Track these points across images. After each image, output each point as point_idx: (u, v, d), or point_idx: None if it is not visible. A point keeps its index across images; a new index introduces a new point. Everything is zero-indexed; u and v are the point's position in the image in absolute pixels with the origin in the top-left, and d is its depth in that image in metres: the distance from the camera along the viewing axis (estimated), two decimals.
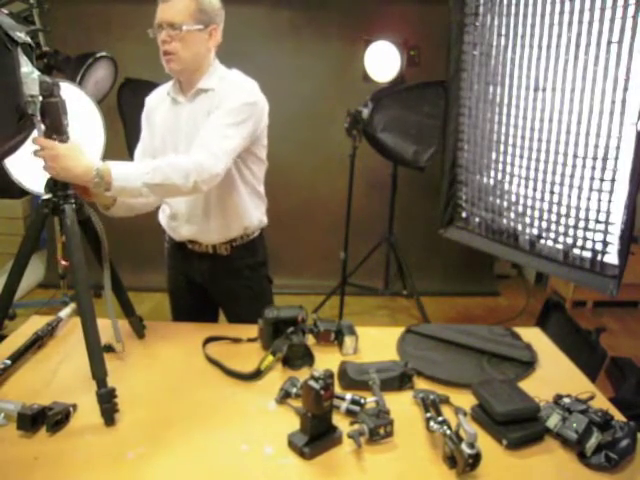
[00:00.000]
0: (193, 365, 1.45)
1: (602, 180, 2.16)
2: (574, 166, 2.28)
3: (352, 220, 3.34)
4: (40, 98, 1.19)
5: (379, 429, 1.13)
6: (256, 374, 1.38)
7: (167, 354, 1.52)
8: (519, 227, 2.63)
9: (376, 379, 1.30)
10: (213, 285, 1.80)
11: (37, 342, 1.49)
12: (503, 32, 2.55)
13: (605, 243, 2.20)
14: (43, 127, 1.25)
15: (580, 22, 2.15)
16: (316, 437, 1.11)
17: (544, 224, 2.48)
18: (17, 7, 3.08)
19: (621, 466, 1.08)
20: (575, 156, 2.27)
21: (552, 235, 2.45)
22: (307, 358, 1.44)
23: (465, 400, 1.26)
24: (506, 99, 2.59)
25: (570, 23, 2.20)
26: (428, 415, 1.17)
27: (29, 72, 1.17)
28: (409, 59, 3.14)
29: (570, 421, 1.14)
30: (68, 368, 1.42)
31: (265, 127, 1.68)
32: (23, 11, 3.10)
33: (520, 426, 1.16)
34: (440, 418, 1.14)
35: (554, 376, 1.45)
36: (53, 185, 1.30)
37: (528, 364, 1.47)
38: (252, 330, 1.56)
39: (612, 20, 2.03)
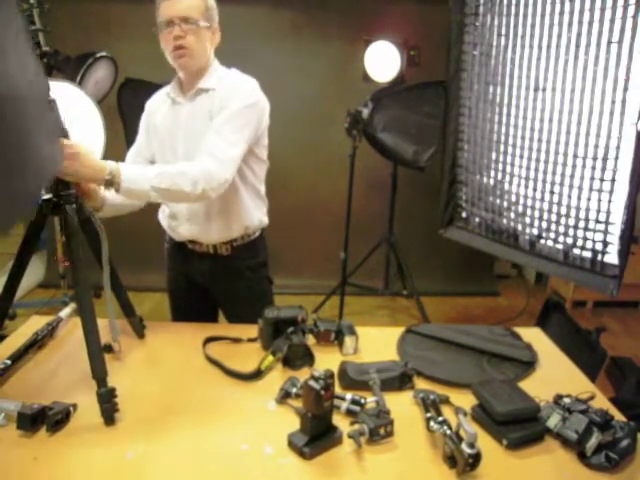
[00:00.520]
0: (193, 365, 1.45)
1: (602, 180, 2.16)
2: (574, 166, 2.28)
3: (352, 220, 3.34)
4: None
5: (379, 429, 1.13)
6: (256, 374, 1.38)
7: (167, 354, 1.52)
8: (519, 227, 2.62)
9: (376, 379, 1.30)
10: (213, 285, 1.80)
11: (37, 342, 1.49)
12: (503, 32, 2.55)
13: (605, 243, 2.20)
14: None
15: (580, 22, 2.15)
16: (316, 437, 1.11)
17: (544, 224, 2.48)
18: None
19: (621, 466, 1.08)
20: (575, 156, 2.27)
21: (552, 235, 2.45)
22: (307, 358, 1.44)
23: (465, 400, 1.26)
24: (506, 99, 2.59)
25: (570, 23, 2.20)
26: (428, 415, 1.17)
27: None
28: (409, 59, 3.14)
29: (570, 421, 1.14)
30: (68, 368, 1.42)
31: (266, 127, 1.68)
32: (23, 11, 3.10)
33: (520, 426, 1.16)
34: (440, 418, 1.14)
35: (554, 376, 1.45)
36: (55, 185, 1.30)
37: (528, 364, 1.47)
38: (252, 330, 1.56)
39: (612, 20, 2.03)
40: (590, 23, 2.11)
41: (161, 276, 1.91)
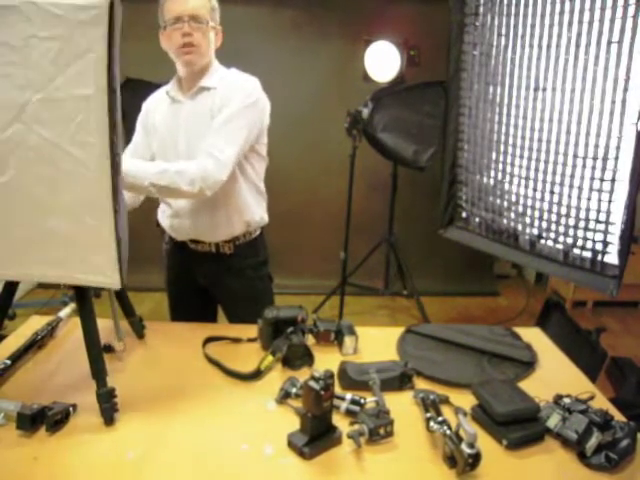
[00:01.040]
0: (193, 365, 1.45)
1: (602, 180, 2.16)
2: (574, 166, 2.27)
3: (352, 220, 3.34)
4: None
5: (379, 429, 1.13)
6: (256, 374, 1.38)
7: (167, 354, 1.52)
8: (519, 227, 2.62)
9: (376, 379, 1.30)
10: (215, 285, 1.80)
11: (37, 342, 1.49)
12: (503, 32, 2.55)
13: (605, 243, 2.19)
14: None
15: (580, 22, 2.15)
16: (316, 437, 1.11)
17: (544, 224, 2.48)
18: None
19: (621, 466, 1.08)
20: (575, 156, 2.27)
21: (552, 235, 2.45)
22: (307, 358, 1.44)
23: (465, 400, 1.25)
24: (506, 99, 2.59)
25: (570, 23, 2.20)
26: (428, 415, 1.17)
27: None
28: (409, 59, 3.14)
29: (570, 421, 1.14)
30: (68, 368, 1.42)
31: (267, 125, 1.69)
32: None
33: (520, 426, 1.16)
34: (440, 418, 1.14)
35: (554, 376, 1.45)
36: None
37: (528, 364, 1.47)
38: (252, 330, 1.56)
39: (612, 20, 2.02)
40: (590, 23, 2.11)
41: (161, 276, 1.91)
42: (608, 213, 2.16)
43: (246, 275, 1.77)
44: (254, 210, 1.74)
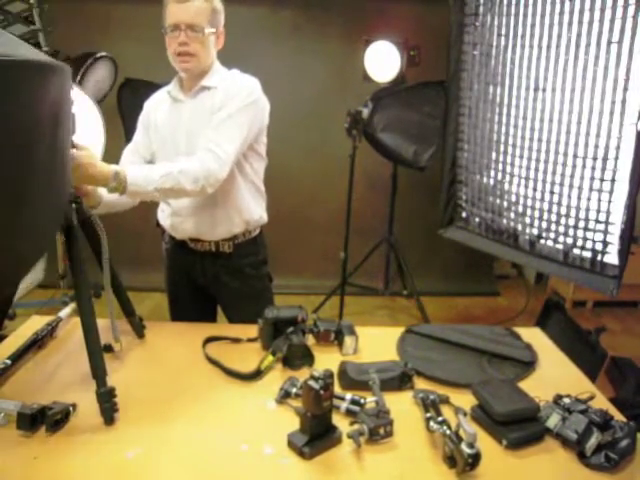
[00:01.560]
0: (193, 365, 1.45)
1: (602, 180, 2.16)
2: (574, 166, 2.28)
3: (352, 220, 3.34)
4: None
5: (379, 429, 1.13)
6: (256, 374, 1.38)
7: (167, 354, 1.52)
8: (519, 227, 2.63)
9: (376, 379, 1.30)
10: (215, 284, 1.80)
11: (37, 342, 1.49)
12: (503, 32, 2.55)
13: (605, 243, 2.20)
14: None
15: (580, 22, 2.15)
16: (316, 437, 1.11)
17: (544, 224, 2.48)
18: (17, 7, 3.08)
19: (621, 466, 1.08)
20: (575, 156, 2.27)
21: (552, 235, 2.45)
22: (307, 358, 1.44)
23: (465, 400, 1.25)
24: (506, 99, 2.59)
25: (570, 23, 2.20)
26: (428, 415, 1.17)
27: None
28: (409, 59, 3.14)
29: (570, 421, 1.14)
30: (68, 368, 1.42)
31: (266, 125, 1.70)
32: (23, 11, 3.10)
33: (520, 426, 1.16)
34: (440, 418, 1.14)
35: (554, 376, 1.45)
36: None
37: (528, 364, 1.47)
38: (252, 330, 1.56)
39: (612, 20, 2.03)
40: (590, 23, 2.12)
41: (161, 276, 1.91)
42: (608, 213, 2.16)
43: (245, 274, 1.78)
44: (253, 209, 1.74)
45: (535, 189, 2.50)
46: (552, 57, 2.31)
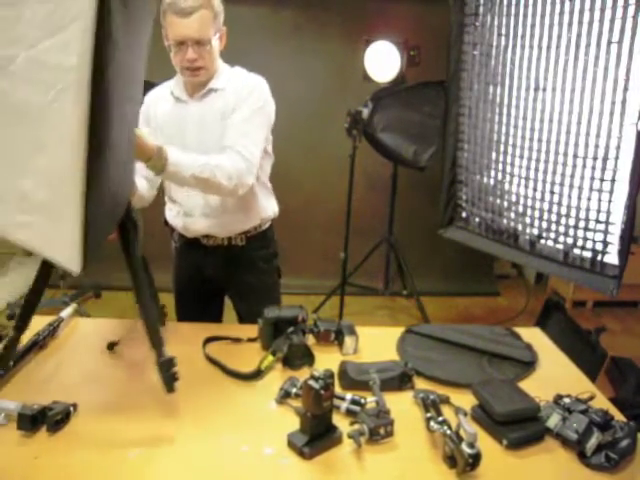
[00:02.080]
0: (193, 365, 1.45)
1: (602, 180, 2.16)
2: (574, 166, 2.27)
3: (352, 220, 3.34)
4: None
5: (379, 429, 1.13)
6: (256, 374, 1.38)
7: (167, 353, 1.52)
8: (519, 227, 2.62)
9: (376, 379, 1.30)
10: (226, 278, 1.81)
11: (38, 342, 1.49)
12: (503, 32, 2.55)
13: (605, 243, 2.19)
14: None
15: (580, 22, 2.15)
16: (316, 437, 1.11)
17: (544, 224, 2.48)
18: None
19: (621, 466, 1.08)
20: (575, 156, 2.27)
21: (552, 235, 2.45)
22: (307, 358, 1.44)
23: (465, 400, 1.26)
24: (506, 99, 2.59)
25: (570, 23, 2.20)
26: (428, 415, 1.17)
27: None
28: (409, 59, 3.14)
29: (570, 421, 1.14)
30: (69, 368, 1.42)
31: (272, 122, 1.71)
32: None
33: (520, 426, 1.16)
34: (440, 418, 1.14)
35: (554, 376, 1.45)
36: None
37: (528, 364, 1.48)
38: (252, 330, 1.56)
39: (612, 20, 2.02)
40: (590, 23, 2.11)
41: (161, 276, 1.90)
42: (608, 213, 2.16)
43: (257, 267, 1.79)
44: (265, 207, 1.77)
45: (535, 189, 2.50)
46: (552, 57, 2.30)
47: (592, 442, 1.09)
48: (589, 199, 2.23)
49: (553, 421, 1.16)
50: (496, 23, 2.58)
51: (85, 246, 0.90)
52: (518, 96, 2.52)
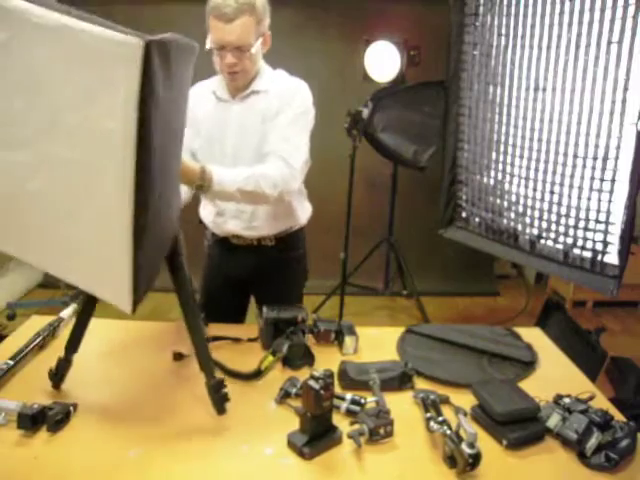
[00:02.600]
0: (194, 365, 1.44)
1: (602, 180, 2.16)
2: (574, 166, 2.28)
3: (352, 220, 3.34)
4: None
5: (379, 429, 1.13)
6: (256, 374, 1.38)
7: (167, 354, 1.52)
8: (519, 227, 2.63)
9: (376, 379, 1.30)
10: (255, 279, 1.80)
11: (38, 342, 1.48)
12: (503, 32, 2.55)
13: (605, 243, 2.20)
14: None
15: (580, 22, 2.15)
16: (316, 437, 1.11)
17: (544, 224, 2.48)
18: None
19: (621, 466, 1.08)
20: (575, 156, 2.27)
21: (552, 235, 2.45)
22: (307, 358, 1.44)
23: (465, 400, 1.26)
24: (506, 99, 2.59)
25: (570, 23, 2.20)
26: (428, 415, 1.17)
27: None
28: (409, 59, 3.14)
29: (570, 421, 1.14)
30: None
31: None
32: None
33: (520, 426, 1.16)
34: (440, 418, 1.14)
35: (554, 376, 1.45)
36: None
37: (528, 364, 1.47)
38: (252, 330, 1.56)
39: (612, 20, 2.03)
40: (590, 23, 2.12)
41: (161, 276, 1.90)
42: (608, 213, 2.16)
43: (285, 268, 1.79)
44: (298, 212, 1.77)
45: (535, 189, 2.50)
46: (552, 57, 2.31)
47: (592, 442, 1.09)
48: (589, 199, 2.23)
49: (553, 421, 1.16)
50: (496, 23, 2.58)
51: (135, 288, 0.94)
52: (518, 96, 2.53)
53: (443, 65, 2.93)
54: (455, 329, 1.65)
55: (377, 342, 1.59)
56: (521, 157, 2.55)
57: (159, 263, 1.15)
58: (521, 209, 2.60)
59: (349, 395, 1.25)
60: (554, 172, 2.38)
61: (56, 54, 0.88)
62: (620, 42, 2.01)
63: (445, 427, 1.10)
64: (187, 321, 1.22)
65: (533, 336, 1.65)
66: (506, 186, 2.68)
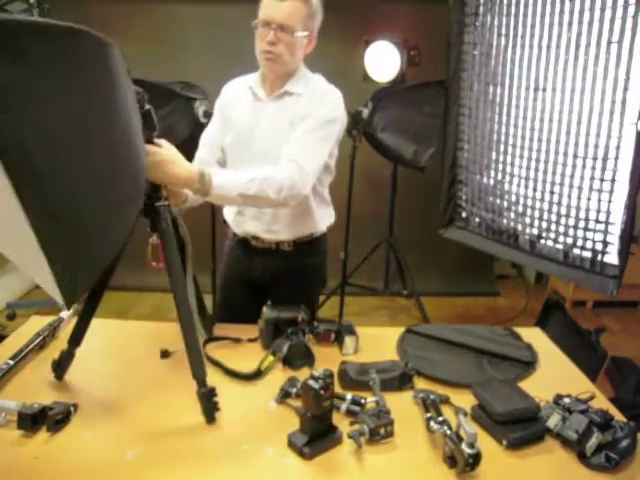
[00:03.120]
0: None
1: (602, 180, 2.16)
2: (574, 166, 2.28)
3: (352, 220, 3.34)
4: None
5: (379, 429, 1.13)
6: (256, 374, 1.38)
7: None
8: (519, 227, 2.63)
9: (376, 379, 1.30)
10: (271, 282, 1.79)
11: (38, 342, 1.48)
12: (503, 32, 2.55)
13: (605, 243, 2.20)
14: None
15: (580, 22, 2.15)
16: (316, 437, 1.11)
17: (544, 224, 2.48)
18: (17, 7, 3.08)
19: (621, 466, 1.08)
20: (575, 156, 2.27)
21: (552, 235, 2.45)
22: (307, 358, 1.44)
23: (465, 400, 1.26)
24: (506, 99, 2.59)
25: (570, 23, 2.20)
26: (428, 415, 1.17)
27: None
28: (409, 59, 3.14)
29: (570, 421, 1.14)
30: (69, 368, 1.42)
31: (340, 138, 1.68)
32: (23, 11, 3.10)
33: (520, 426, 1.16)
34: (440, 418, 1.14)
35: (554, 376, 1.45)
36: (150, 188, 1.27)
37: (528, 364, 1.48)
38: (252, 330, 1.56)
39: (612, 20, 2.03)
40: (590, 23, 2.12)
41: (162, 276, 1.90)
42: (608, 213, 2.16)
43: (302, 274, 1.77)
44: (319, 219, 1.75)
45: (535, 189, 2.50)
46: (552, 57, 2.31)
47: (592, 442, 1.09)
48: (589, 199, 2.23)
49: (553, 421, 1.16)
50: (496, 23, 2.58)
51: (65, 289, 0.93)
52: (518, 96, 2.53)
53: (443, 65, 2.93)
54: (455, 329, 1.66)
55: (377, 342, 1.58)
56: (521, 157, 2.55)
57: (104, 258, 1.13)
58: (521, 209, 2.60)
59: (349, 395, 1.25)
60: (554, 172, 2.38)
61: None
62: (620, 42, 2.01)
63: (445, 427, 1.10)
64: (181, 325, 1.21)
65: (533, 336, 1.65)
66: (506, 186, 2.68)
